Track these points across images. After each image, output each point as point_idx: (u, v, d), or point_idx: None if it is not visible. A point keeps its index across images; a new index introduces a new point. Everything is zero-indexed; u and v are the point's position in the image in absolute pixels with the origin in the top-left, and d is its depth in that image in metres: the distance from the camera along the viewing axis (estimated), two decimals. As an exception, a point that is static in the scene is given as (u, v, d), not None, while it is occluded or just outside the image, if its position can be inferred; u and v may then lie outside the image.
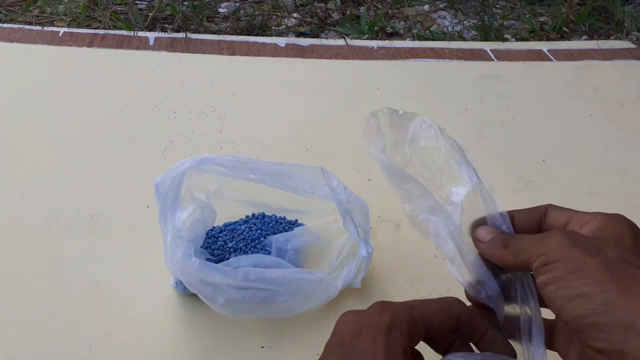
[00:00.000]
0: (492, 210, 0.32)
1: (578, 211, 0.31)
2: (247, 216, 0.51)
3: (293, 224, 0.51)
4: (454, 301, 0.31)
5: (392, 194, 0.62)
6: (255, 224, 0.50)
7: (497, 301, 0.32)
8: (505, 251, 0.30)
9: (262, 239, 0.49)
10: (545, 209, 0.32)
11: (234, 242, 0.48)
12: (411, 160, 0.36)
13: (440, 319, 0.30)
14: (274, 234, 0.49)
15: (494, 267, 0.32)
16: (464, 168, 0.34)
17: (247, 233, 0.49)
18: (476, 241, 0.32)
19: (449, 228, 0.31)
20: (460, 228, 0.32)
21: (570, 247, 0.27)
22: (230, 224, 0.50)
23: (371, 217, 0.56)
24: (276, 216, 0.51)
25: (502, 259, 0.31)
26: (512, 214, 0.33)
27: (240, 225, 0.50)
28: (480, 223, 0.32)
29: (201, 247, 0.47)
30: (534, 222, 0.32)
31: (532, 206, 0.33)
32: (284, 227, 0.50)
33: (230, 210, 0.51)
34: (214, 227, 0.50)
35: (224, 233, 0.49)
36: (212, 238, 0.49)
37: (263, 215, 0.51)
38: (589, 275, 0.25)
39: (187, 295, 0.45)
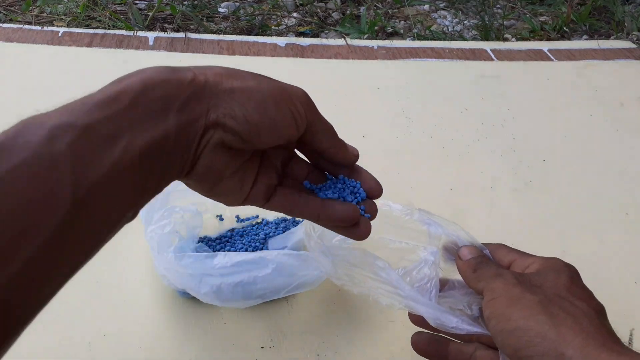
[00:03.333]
0: (468, 241, 0.36)
1: (522, 253, 0.35)
2: (243, 227, 0.51)
3: (290, 222, 0.51)
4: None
5: (393, 194, 0.62)
6: (250, 232, 0.50)
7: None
8: (472, 274, 0.33)
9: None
10: (492, 248, 0.36)
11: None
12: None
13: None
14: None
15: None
16: (431, 227, 0.37)
17: (247, 242, 0.48)
18: (457, 258, 0.35)
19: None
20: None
21: (514, 285, 0.30)
22: (224, 235, 0.50)
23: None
24: (269, 220, 0.51)
25: (467, 280, 0.34)
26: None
27: (237, 235, 0.50)
28: (456, 247, 0.36)
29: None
30: None
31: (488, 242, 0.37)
32: (282, 230, 0.50)
33: (222, 223, 0.52)
34: (205, 238, 0.50)
35: (223, 244, 0.49)
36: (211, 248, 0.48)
37: (266, 222, 0.51)
38: (526, 308, 0.29)
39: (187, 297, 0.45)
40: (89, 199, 0.21)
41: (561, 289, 0.30)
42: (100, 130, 0.22)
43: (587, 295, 0.31)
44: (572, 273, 0.32)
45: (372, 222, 0.33)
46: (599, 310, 0.30)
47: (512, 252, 0.35)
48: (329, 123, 0.32)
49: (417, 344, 0.37)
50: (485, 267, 0.33)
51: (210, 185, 0.29)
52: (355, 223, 0.32)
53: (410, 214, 0.37)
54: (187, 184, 0.29)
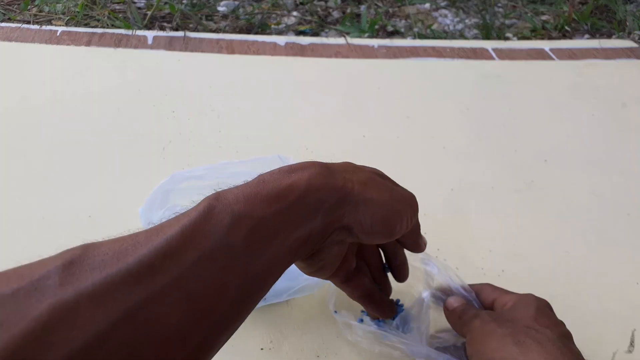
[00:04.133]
0: (457, 284, 0.41)
1: (502, 292, 0.39)
2: None
3: None
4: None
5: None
6: None
7: None
8: (458, 321, 0.38)
9: None
10: (476, 290, 0.41)
11: None
12: None
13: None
14: None
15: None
16: (427, 266, 0.42)
17: None
18: (445, 308, 0.40)
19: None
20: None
21: (488, 323, 0.35)
22: None
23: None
24: None
25: (454, 327, 0.39)
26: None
27: None
28: (446, 291, 0.41)
29: None
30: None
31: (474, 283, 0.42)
32: None
33: None
34: None
35: None
36: None
37: None
38: (498, 340, 0.33)
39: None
40: (250, 287, 0.25)
41: (528, 320, 0.35)
42: (268, 225, 0.26)
43: (553, 323, 0.35)
44: (540, 305, 0.36)
45: None
46: (564, 335, 0.34)
47: (495, 291, 0.40)
48: (419, 221, 0.36)
49: None
50: (467, 312, 0.38)
51: (316, 269, 0.33)
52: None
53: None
54: (296, 264, 0.33)
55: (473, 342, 0.35)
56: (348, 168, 0.31)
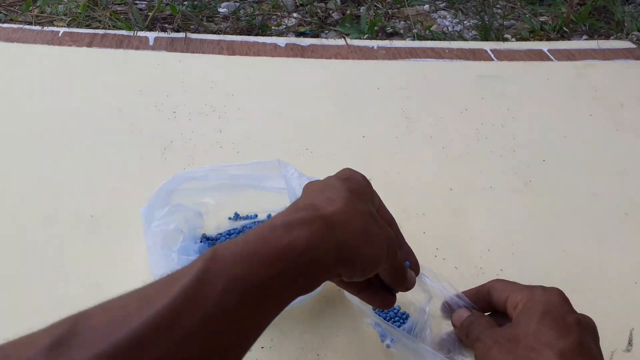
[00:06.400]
0: (451, 295, 0.41)
1: (514, 289, 0.37)
2: (243, 226, 0.51)
3: None
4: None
5: (393, 194, 0.62)
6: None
7: None
8: (466, 339, 0.38)
9: None
10: (488, 289, 0.39)
11: None
12: None
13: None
14: None
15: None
16: (422, 279, 0.42)
17: None
18: (453, 325, 0.40)
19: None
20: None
21: (490, 348, 0.34)
22: (224, 234, 0.50)
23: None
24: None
25: (465, 342, 0.39)
26: (465, 294, 0.41)
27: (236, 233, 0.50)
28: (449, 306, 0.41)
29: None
30: (483, 300, 0.39)
31: (481, 284, 0.40)
32: None
33: (221, 222, 0.52)
34: (207, 237, 0.50)
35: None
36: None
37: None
38: None
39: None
40: (246, 341, 0.26)
41: (529, 339, 0.33)
42: (264, 288, 0.26)
43: (557, 335, 0.32)
44: (545, 311, 0.34)
45: None
46: (567, 351, 0.32)
47: (506, 288, 0.38)
48: (401, 263, 0.38)
49: None
50: (472, 330, 0.37)
51: None
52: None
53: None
54: None
55: None
56: (349, 216, 0.31)
